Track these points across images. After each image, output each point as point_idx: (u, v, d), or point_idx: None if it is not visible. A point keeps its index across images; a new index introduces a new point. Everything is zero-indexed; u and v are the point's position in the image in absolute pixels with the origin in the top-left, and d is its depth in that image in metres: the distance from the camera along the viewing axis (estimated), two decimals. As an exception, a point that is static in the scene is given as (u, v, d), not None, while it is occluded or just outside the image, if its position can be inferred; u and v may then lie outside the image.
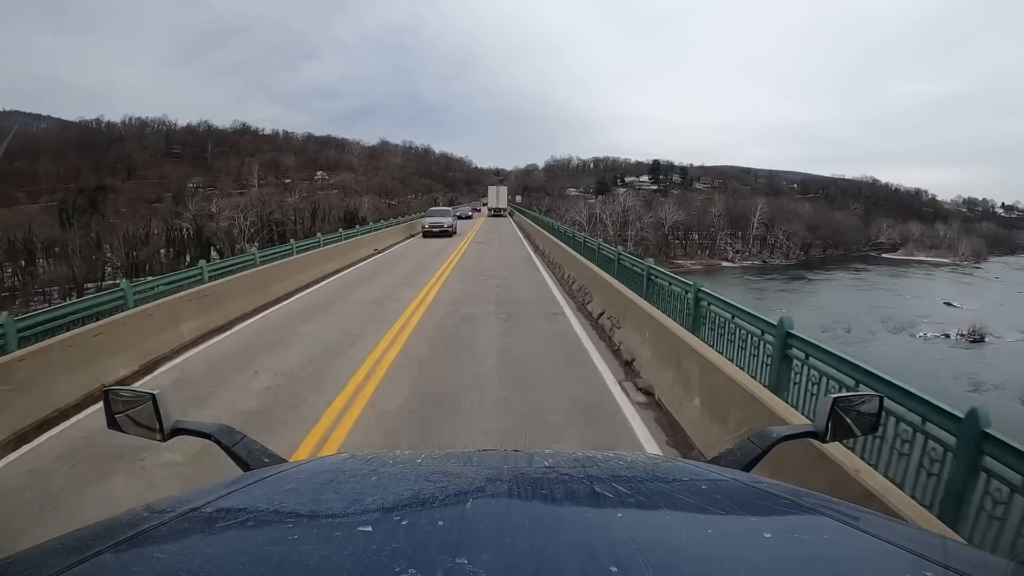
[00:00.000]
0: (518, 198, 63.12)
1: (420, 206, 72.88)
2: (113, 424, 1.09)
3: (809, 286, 61.14)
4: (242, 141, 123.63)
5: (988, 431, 2.13)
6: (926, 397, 2.45)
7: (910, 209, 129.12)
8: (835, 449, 2.59)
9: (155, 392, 1.07)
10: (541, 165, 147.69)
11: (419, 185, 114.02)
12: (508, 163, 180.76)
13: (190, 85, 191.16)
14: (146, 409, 1.07)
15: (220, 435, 1.11)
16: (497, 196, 51.11)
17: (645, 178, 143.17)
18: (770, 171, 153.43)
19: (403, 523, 0.58)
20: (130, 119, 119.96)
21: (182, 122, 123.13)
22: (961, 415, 2.23)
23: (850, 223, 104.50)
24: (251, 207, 56.14)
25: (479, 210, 56.82)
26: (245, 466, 1.04)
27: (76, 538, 0.59)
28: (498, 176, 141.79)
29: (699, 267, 69.41)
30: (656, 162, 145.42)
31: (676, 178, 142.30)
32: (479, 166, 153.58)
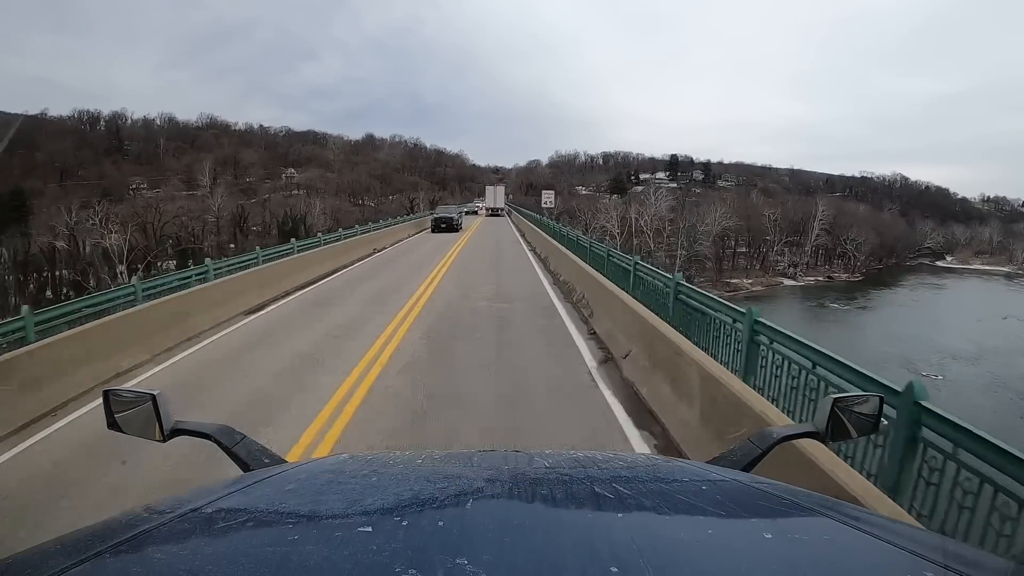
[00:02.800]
0: (548, 199, 46.57)
1: (396, 210, 57.46)
2: (113, 424, 1.08)
3: (915, 314, 45.63)
4: (204, 136, 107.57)
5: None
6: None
7: (944, 210, 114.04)
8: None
9: (155, 392, 1.06)
10: (544, 161, 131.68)
11: (402, 183, 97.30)
12: (508, 161, 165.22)
13: (186, 86, 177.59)
14: (145, 409, 1.06)
15: (220, 436, 1.09)
16: (495, 196, 50.32)
17: (662, 175, 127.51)
18: (791, 169, 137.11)
19: (403, 524, 0.58)
20: (78, 113, 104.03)
21: (138, 115, 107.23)
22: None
23: (898, 227, 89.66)
24: (134, 217, 40.34)
25: (477, 211, 51.90)
26: (245, 466, 1.03)
27: (76, 538, 0.59)
28: (496, 174, 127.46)
29: (760, 288, 53.85)
30: (674, 157, 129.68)
31: (698, 175, 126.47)
32: (477, 164, 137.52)
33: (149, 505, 0.67)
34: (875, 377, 2.71)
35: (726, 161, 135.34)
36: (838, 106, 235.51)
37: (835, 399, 1.06)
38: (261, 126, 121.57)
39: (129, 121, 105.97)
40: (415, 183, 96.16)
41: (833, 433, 1.06)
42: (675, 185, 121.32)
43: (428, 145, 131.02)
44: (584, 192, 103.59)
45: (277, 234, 44.81)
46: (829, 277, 64.32)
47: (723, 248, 58.03)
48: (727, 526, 0.64)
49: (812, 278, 62.92)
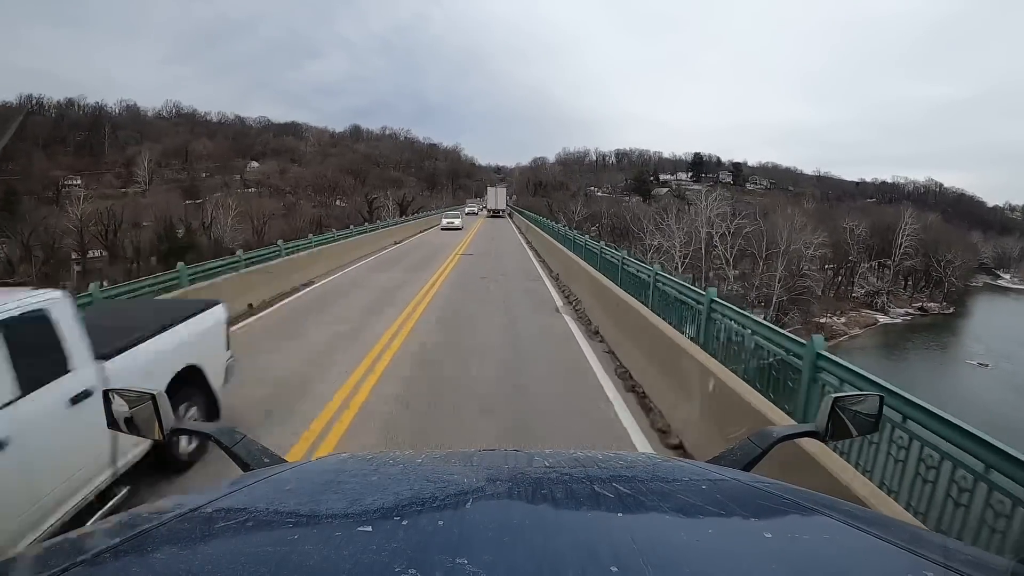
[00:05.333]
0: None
1: (355, 217, 43.31)
2: (113, 424, 1.08)
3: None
4: (159, 124, 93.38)
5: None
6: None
7: (981, 219, 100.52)
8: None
9: (155, 392, 1.06)
10: (552, 159, 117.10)
11: (382, 178, 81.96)
12: (510, 160, 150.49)
13: (190, 83, 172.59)
14: (146, 409, 1.06)
15: (220, 435, 1.08)
16: (496, 197, 50.00)
17: (684, 176, 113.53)
18: (818, 173, 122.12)
19: (403, 523, 0.58)
20: (23, 98, 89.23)
21: (91, 101, 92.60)
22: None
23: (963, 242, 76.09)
24: None
25: (477, 212, 51.16)
26: (245, 466, 1.02)
27: (76, 538, 0.59)
28: (498, 174, 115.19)
29: (858, 331, 39.75)
30: (698, 156, 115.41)
31: (724, 176, 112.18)
32: (477, 162, 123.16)
33: (149, 505, 0.67)
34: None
35: (750, 163, 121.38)
36: (847, 111, 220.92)
37: (835, 399, 1.06)
38: (237, 116, 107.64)
39: (78, 108, 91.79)
40: (398, 179, 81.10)
41: (833, 432, 1.06)
42: (700, 187, 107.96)
43: (421, 138, 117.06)
44: (600, 194, 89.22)
45: (156, 258, 30.65)
46: (922, 309, 50.19)
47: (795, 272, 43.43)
48: (727, 526, 0.63)
49: (902, 310, 48.89)
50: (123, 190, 64.87)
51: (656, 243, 41.24)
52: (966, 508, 2.06)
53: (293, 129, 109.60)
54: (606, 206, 64.36)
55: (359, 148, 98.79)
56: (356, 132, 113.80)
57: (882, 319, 44.43)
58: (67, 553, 0.54)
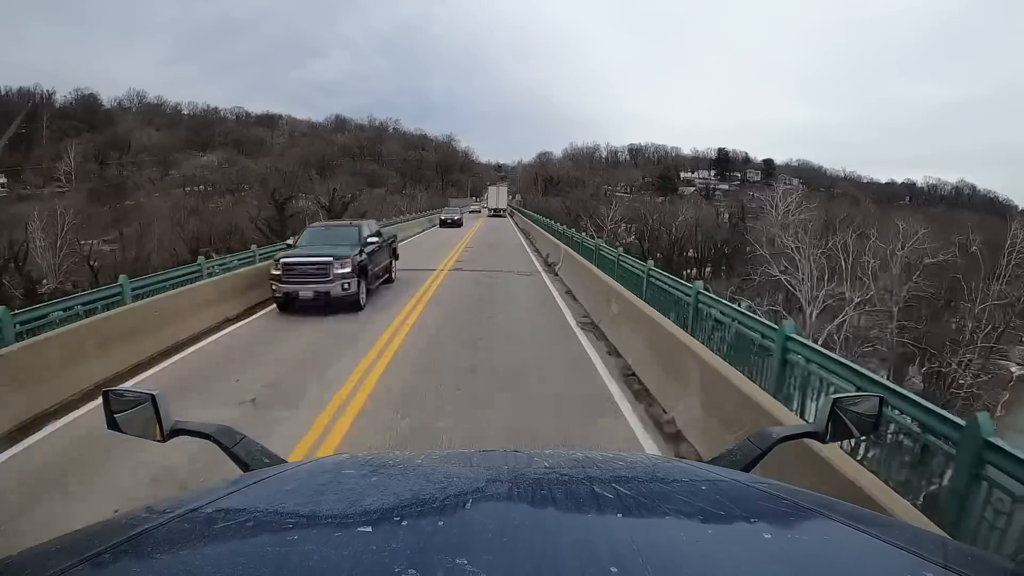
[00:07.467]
0: None
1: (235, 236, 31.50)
2: (113, 424, 1.08)
3: None
4: (115, 116, 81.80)
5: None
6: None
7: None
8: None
9: (155, 392, 1.06)
10: (558, 153, 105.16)
11: (354, 172, 69.33)
12: (511, 158, 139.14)
13: (191, 81, 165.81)
14: (145, 409, 1.06)
15: (220, 435, 1.08)
16: (497, 196, 51.16)
17: (707, 173, 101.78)
18: (845, 172, 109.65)
19: (403, 524, 0.57)
20: None
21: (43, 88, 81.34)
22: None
23: None
24: None
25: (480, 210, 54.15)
26: (245, 466, 1.02)
27: (76, 538, 0.59)
28: (499, 172, 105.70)
29: (1006, 394, 28.08)
30: (723, 152, 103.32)
31: (751, 175, 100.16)
32: (477, 158, 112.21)
33: (149, 505, 0.67)
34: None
35: (775, 160, 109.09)
36: (852, 112, 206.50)
37: (835, 399, 1.06)
38: (209, 105, 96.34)
39: (26, 97, 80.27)
40: (378, 176, 68.71)
41: (833, 432, 1.05)
42: (727, 186, 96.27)
43: (412, 130, 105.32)
44: (619, 192, 77.27)
45: None
46: (1046, 347, 38.20)
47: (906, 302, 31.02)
48: (727, 526, 0.63)
49: (1022, 347, 36.96)
50: (41, 190, 53.71)
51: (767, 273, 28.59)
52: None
53: (268, 120, 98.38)
54: (643, 208, 54.30)
55: (336, 139, 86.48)
56: (340, 123, 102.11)
57: (1015, 369, 32.46)
58: (67, 553, 0.54)
